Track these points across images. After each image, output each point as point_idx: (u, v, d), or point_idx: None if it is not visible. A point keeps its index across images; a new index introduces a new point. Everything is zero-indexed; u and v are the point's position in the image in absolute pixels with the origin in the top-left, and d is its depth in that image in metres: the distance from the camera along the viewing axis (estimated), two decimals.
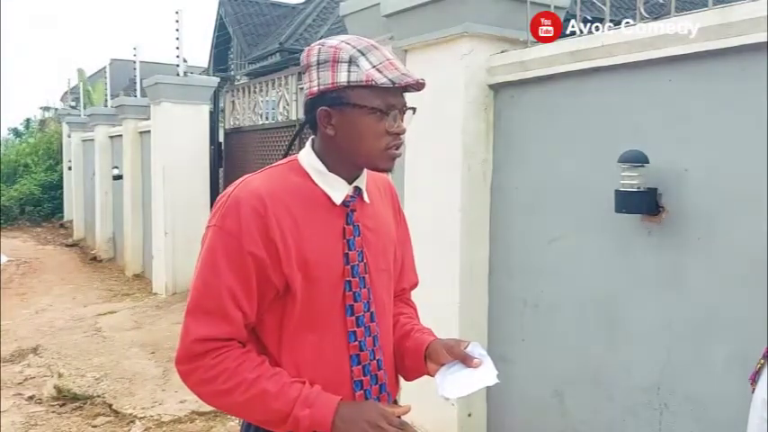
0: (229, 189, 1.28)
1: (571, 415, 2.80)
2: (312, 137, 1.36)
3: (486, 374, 1.25)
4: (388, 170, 1.33)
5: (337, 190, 1.31)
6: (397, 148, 1.29)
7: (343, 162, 1.31)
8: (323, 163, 1.31)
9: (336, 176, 1.31)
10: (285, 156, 1.41)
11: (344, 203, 1.32)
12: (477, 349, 1.30)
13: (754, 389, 1.38)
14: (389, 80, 1.22)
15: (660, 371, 2.43)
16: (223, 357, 1.22)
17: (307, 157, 1.33)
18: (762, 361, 1.38)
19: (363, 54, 1.24)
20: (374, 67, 1.23)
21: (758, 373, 1.38)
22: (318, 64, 1.26)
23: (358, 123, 1.25)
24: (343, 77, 1.23)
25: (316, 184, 1.31)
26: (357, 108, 1.24)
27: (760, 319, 2.05)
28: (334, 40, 1.28)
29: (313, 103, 1.28)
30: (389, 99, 1.25)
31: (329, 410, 1.21)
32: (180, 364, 1.25)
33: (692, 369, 2.33)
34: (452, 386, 1.25)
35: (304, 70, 1.30)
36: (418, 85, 1.28)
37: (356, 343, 1.32)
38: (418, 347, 1.40)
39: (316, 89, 1.27)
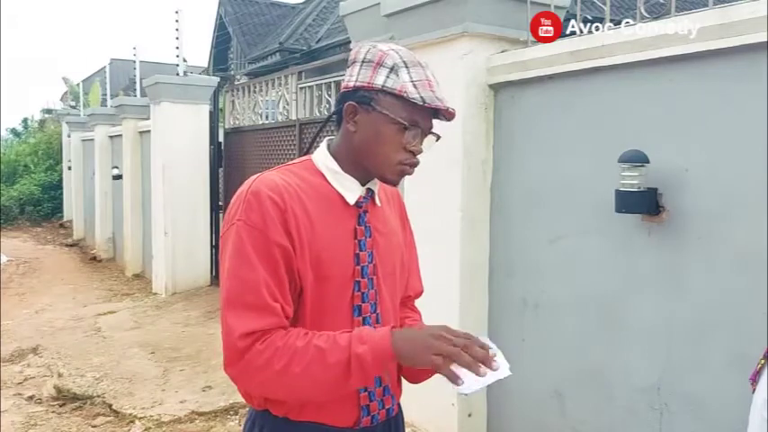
0: (245, 185, 1.27)
1: (571, 415, 2.80)
2: (327, 138, 1.38)
3: (499, 367, 1.25)
4: (393, 183, 1.33)
5: (351, 190, 1.32)
6: (410, 167, 1.30)
7: (356, 163, 1.32)
8: (337, 163, 1.32)
9: (350, 177, 1.32)
10: (308, 151, 1.42)
11: (357, 204, 1.33)
12: (487, 343, 1.29)
13: (754, 389, 1.38)
14: (420, 97, 1.24)
15: (660, 371, 2.43)
16: (270, 340, 1.19)
17: (321, 157, 1.34)
18: (762, 361, 1.37)
19: (407, 67, 1.26)
20: (412, 81, 1.25)
21: (758, 373, 1.37)
22: (363, 62, 1.29)
23: (378, 129, 1.26)
24: (379, 80, 1.25)
25: (329, 184, 1.32)
26: (382, 114, 1.25)
27: (760, 319, 2.05)
28: (385, 46, 1.30)
29: (345, 96, 1.30)
30: (415, 116, 1.26)
31: (385, 336, 1.18)
32: (229, 366, 1.22)
33: (692, 369, 2.33)
34: (467, 381, 1.24)
35: (349, 65, 1.32)
36: (448, 114, 1.29)
37: None
38: None
39: (352, 84, 1.29)
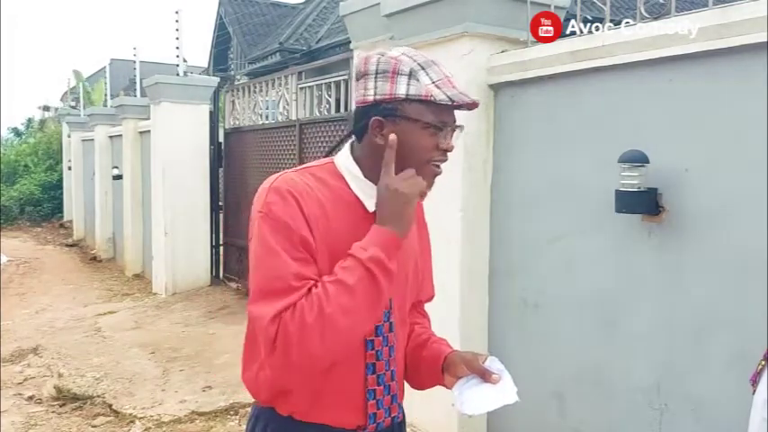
0: (266, 183, 1.27)
1: (571, 415, 2.80)
2: (351, 141, 1.36)
3: (505, 391, 1.24)
4: (428, 187, 1.32)
5: (371, 197, 1.30)
6: (438, 166, 1.30)
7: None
8: (360, 169, 1.31)
9: (372, 184, 1.31)
10: (328, 154, 1.41)
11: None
12: (495, 364, 1.29)
13: (754, 390, 1.38)
14: (448, 98, 1.23)
15: (660, 371, 2.43)
16: (297, 306, 1.17)
17: (345, 161, 1.33)
18: (762, 362, 1.37)
19: (423, 69, 1.25)
20: (434, 83, 1.24)
21: (759, 374, 1.37)
22: (377, 73, 1.26)
23: (410, 136, 1.25)
24: (402, 90, 1.23)
25: (350, 189, 1.31)
26: (412, 122, 1.24)
27: (760, 319, 2.05)
28: (394, 52, 1.28)
29: (366, 111, 1.28)
30: (443, 116, 1.26)
31: (377, 228, 1.23)
32: (268, 356, 1.19)
33: (692, 369, 2.33)
34: (471, 402, 1.23)
35: (359, 77, 1.29)
36: (472, 106, 1.29)
37: (373, 352, 1.31)
38: (435, 359, 1.39)
39: (371, 98, 1.26)
